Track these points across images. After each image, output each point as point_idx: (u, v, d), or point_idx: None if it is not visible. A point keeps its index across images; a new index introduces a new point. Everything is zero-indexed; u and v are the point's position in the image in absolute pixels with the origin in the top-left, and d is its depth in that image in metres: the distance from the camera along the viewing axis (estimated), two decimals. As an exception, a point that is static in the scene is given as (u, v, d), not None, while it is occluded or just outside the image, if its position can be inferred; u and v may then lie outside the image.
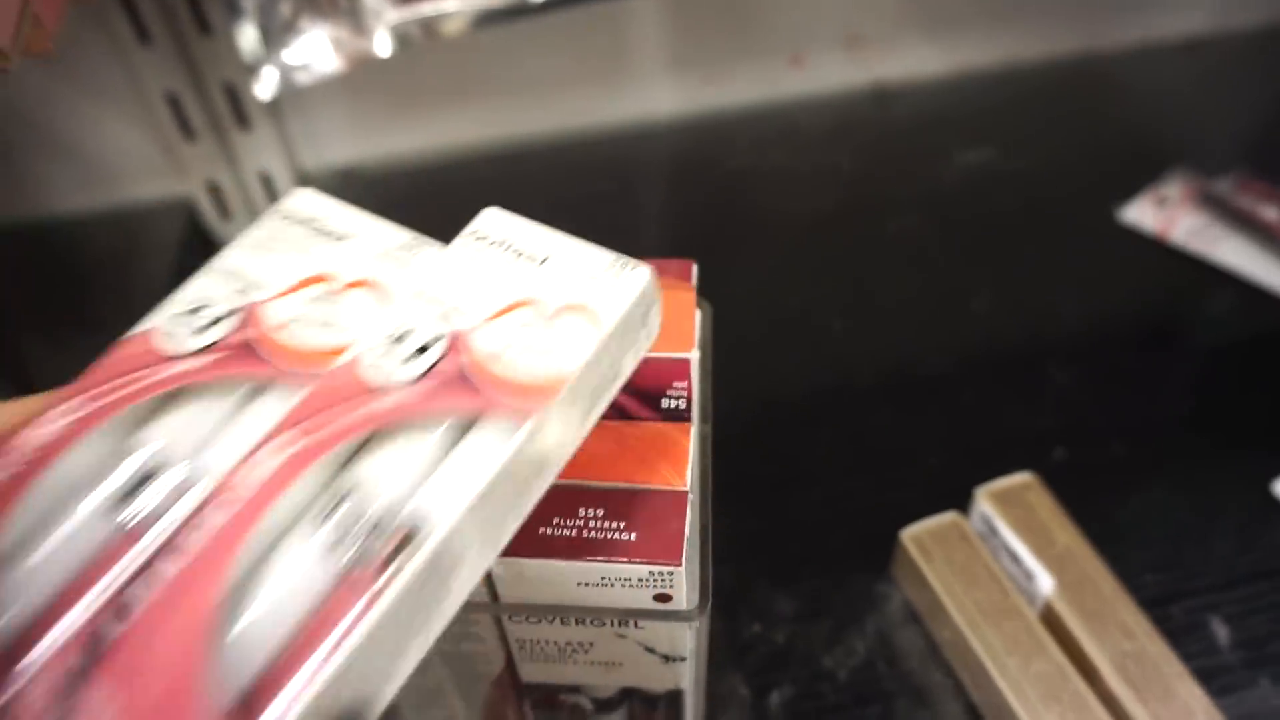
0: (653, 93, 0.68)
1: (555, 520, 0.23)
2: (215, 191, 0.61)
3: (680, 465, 0.24)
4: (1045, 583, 0.36)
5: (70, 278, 0.58)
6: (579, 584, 0.23)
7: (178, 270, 0.57)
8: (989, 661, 0.34)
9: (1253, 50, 0.73)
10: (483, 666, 0.28)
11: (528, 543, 0.23)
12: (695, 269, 0.30)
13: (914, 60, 0.71)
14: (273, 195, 0.62)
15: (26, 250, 0.60)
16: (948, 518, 0.39)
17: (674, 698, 0.28)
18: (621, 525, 0.23)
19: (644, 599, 0.23)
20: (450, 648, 0.27)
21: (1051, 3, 0.70)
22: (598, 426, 0.25)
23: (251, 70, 0.49)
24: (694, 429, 0.26)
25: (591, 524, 0.23)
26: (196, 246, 0.60)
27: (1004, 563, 0.38)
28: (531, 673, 0.27)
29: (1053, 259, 0.57)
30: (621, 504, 0.23)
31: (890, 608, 0.39)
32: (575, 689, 0.28)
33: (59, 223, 0.61)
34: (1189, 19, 0.73)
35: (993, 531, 0.38)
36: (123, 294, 0.56)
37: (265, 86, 0.49)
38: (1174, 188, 0.60)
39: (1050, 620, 0.36)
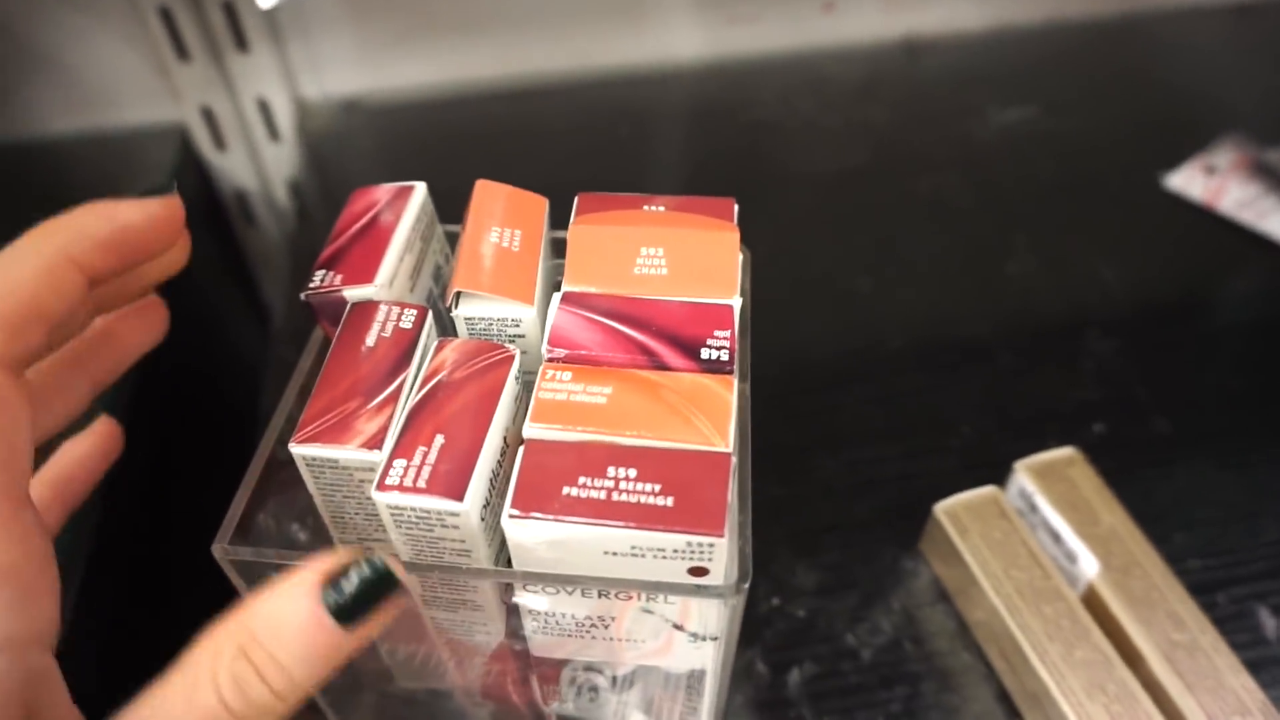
0: (675, 32, 0.64)
1: (581, 480, 0.21)
2: (209, 117, 0.57)
3: (722, 422, 0.22)
4: (1089, 564, 0.33)
5: (55, 203, 0.54)
6: (605, 553, 0.21)
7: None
8: (1029, 647, 0.32)
9: (1309, 14, 0.70)
10: (481, 635, 0.26)
11: (549, 504, 0.20)
12: (736, 207, 0.27)
13: (950, 11, 0.68)
14: (271, 124, 0.59)
15: (10, 173, 0.56)
16: (985, 492, 0.36)
17: (695, 677, 0.26)
18: (657, 489, 0.20)
19: (678, 571, 0.21)
20: (447, 615, 0.25)
21: (1098, -43, 0.66)
22: (630, 377, 0.23)
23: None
24: (735, 384, 0.23)
25: (623, 485, 0.20)
26: (189, 176, 0.57)
27: (1044, 542, 0.35)
28: (544, 647, 0.25)
29: (1093, 225, 0.54)
30: (656, 464, 0.21)
31: (918, 584, 0.37)
32: (590, 666, 0.26)
33: (44, 144, 0.57)
34: (1242, -20, 0.69)
35: (1032, 508, 0.36)
36: (109, 223, 0.53)
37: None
38: (1223, 156, 0.57)
39: (1093, 604, 0.33)
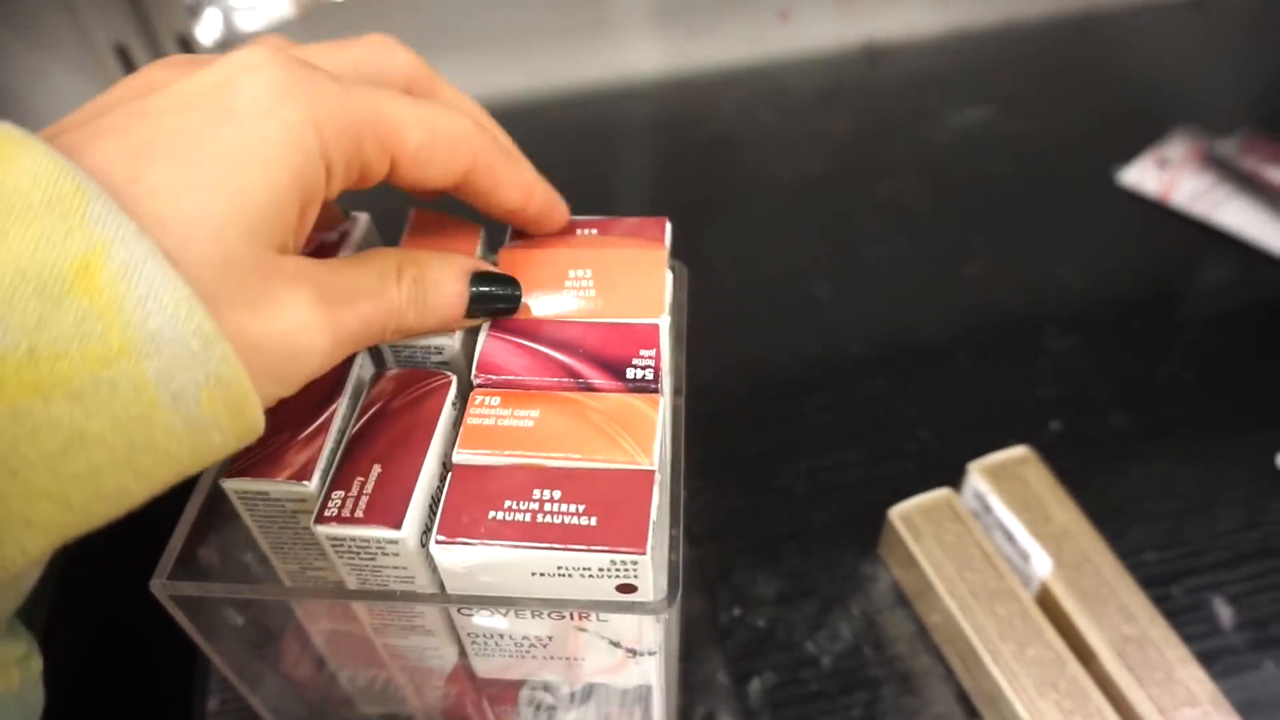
0: (635, 47, 0.65)
1: (507, 503, 0.21)
2: (171, 151, 0.57)
3: (647, 441, 0.22)
4: (1042, 563, 0.34)
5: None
6: (533, 574, 0.21)
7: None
8: (982, 647, 0.32)
9: (1261, 6, 0.71)
10: (434, 661, 0.26)
11: (476, 528, 0.21)
12: (669, 226, 0.27)
13: (907, 17, 0.68)
14: (233, 156, 0.59)
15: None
16: (939, 494, 0.36)
17: (645, 691, 0.26)
18: (581, 509, 0.21)
19: (606, 589, 0.21)
20: (397, 642, 0.25)
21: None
22: (557, 399, 0.23)
23: (195, 14, 0.46)
24: (664, 401, 0.23)
25: (547, 507, 0.21)
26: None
27: (998, 542, 0.35)
28: (487, 668, 0.25)
29: (1050, 223, 0.54)
30: (581, 485, 0.21)
31: (877, 589, 0.37)
32: (537, 685, 0.26)
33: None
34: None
35: (986, 508, 0.36)
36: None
37: (208, 30, 0.45)
38: (1176, 148, 0.57)
39: (1046, 603, 0.34)
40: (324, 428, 0.23)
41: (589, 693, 0.28)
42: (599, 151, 0.61)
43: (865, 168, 0.59)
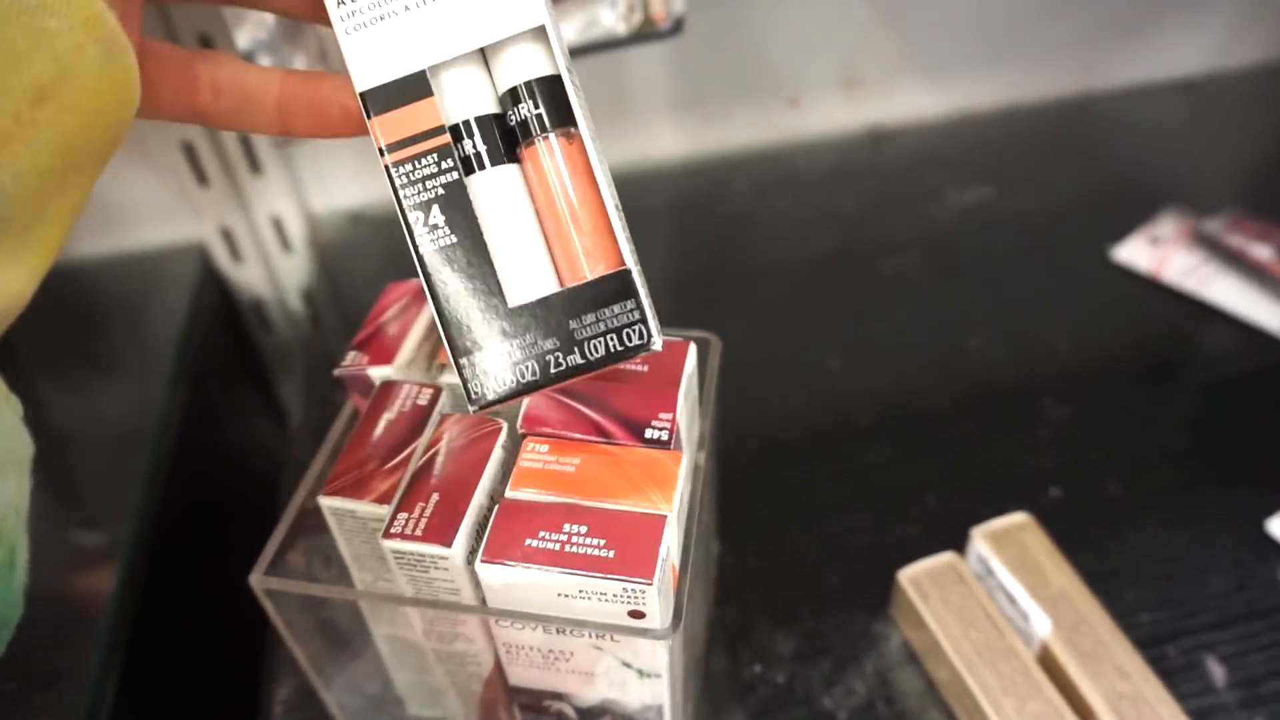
0: (653, 134, 0.69)
1: (541, 533, 0.25)
2: (227, 235, 0.62)
3: (668, 491, 0.26)
4: (1042, 623, 0.36)
5: (85, 320, 0.59)
6: (558, 594, 0.25)
7: (190, 312, 0.58)
8: (986, 703, 0.34)
9: (1248, 89, 0.75)
10: (473, 666, 0.29)
11: (513, 552, 0.25)
12: (693, 350, 0.30)
13: (910, 102, 0.73)
14: (284, 238, 0.64)
15: (41, 292, 0.61)
16: (944, 558, 0.39)
17: (655, 713, 0.29)
18: (602, 543, 0.25)
19: (619, 614, 0.25)
20: (443, 647, 0.29)
21: (1048, 44, 0.72)
22: (596, 449, 0.27)
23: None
24: (685, 457, 0.27)
25: (574, 539, 0.25)
26: (209, 288, 0.61)
27: (1000, 603, 0.38)
28: (518, 677, 0.29)
29: (1047, 298, 0.58)
30: (605, 523, 0.25)
31: (889, 647, 0.40)
32: (559, 696, 0.29)
33: (74, 266, 0.62)
34: (1186, 59, 0.75)
35: (989, 572, 0.39)
36: (136, 336, 0.58)
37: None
38: (1167, 227, 0.61)
39: (1046, 661, 0.36)
40: (404, 461, 0.27)
41: (603, 710, 0.30)
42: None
43: (871, 245, 0.63)
